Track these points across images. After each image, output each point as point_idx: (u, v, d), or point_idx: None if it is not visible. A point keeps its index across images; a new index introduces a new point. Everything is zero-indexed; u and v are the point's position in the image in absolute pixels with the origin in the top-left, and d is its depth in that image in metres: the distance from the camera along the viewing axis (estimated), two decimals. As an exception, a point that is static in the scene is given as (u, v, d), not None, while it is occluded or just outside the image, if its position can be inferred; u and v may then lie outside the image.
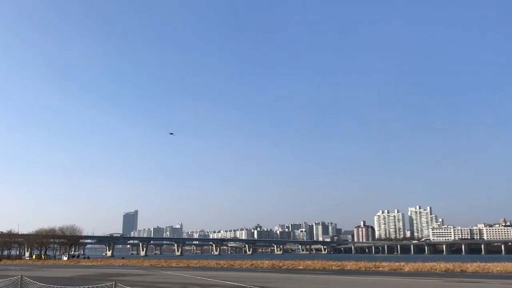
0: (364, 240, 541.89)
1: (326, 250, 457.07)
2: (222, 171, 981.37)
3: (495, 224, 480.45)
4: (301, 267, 64.57)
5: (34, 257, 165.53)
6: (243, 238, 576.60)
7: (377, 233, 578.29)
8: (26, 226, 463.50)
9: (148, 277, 47.55)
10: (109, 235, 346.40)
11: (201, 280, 42.15)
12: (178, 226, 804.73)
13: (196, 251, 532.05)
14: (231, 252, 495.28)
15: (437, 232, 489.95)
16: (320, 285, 34.50)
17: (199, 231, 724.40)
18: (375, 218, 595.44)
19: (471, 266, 53.81)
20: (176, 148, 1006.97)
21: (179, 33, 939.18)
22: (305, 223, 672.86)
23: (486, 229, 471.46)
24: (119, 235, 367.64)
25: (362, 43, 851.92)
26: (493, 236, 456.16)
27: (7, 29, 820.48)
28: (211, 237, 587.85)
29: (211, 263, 78.76)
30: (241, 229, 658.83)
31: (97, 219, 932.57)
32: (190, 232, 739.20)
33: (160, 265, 79.87)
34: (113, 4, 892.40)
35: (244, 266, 71.24)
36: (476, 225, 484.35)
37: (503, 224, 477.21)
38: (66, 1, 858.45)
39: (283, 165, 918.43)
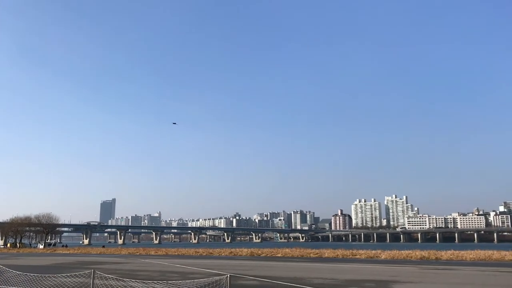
0: (341, 228, 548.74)
1: (304, 238, 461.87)
2: (201, 159, 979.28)
3: (468, 213, 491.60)
4: (279, 255, 65.03)
5: (8, 245, 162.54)
6: (222, 226, 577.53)
7: (354, 221, 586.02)
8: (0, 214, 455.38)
9: (126, 265, 47.25)
10: (86, 223, 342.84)
11: (180, 268, 42.09)
12: (156, 215, 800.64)
13: (175, 240, 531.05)
14: (209, 241, 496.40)
15: (412, 221, 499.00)
16: (299, 273, 34.83)
17: (178, 220, 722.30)
18: (352, 207, 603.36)
19: (446, 254, 54.93)
20: (155, 136, 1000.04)
21: (156, 16, 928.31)
22: (283, 211, 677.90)
23: (460, 218, 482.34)
24: (96, 223, 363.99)
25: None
26: (466, 224, 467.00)
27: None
28: (189, 226, 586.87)
29: (190, 251, 78.71)
30: (220, 218, 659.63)
31: (74, 207, 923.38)
32: (169, 220, 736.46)
33: (138, 253, 79.42)
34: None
35: (223, 254, 71.43)
36: (451, 214, 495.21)
37: (476, 213, 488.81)
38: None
39: (262, 154, 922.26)
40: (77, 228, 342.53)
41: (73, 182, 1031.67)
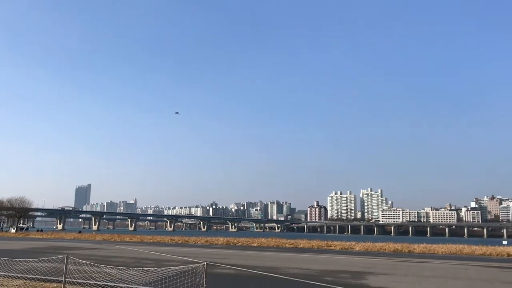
0: (317, 220, 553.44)
1: (280, 228, 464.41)
2: (179, 147, 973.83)
3: (441, 208, 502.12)
4: (255, 245, 65.21)
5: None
6: (198, 215, 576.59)
7: (329, 213, 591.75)
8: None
9: (101, 251, 46.75)
10: (60, 208, 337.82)
11: (155, 255, 41.82)
12: (132, 202, 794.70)
13: (150, 227, 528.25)
14: (185, 229, 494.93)
15: (386, 214, 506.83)
16: (275, 262, 34.97)
17: (154, 207, 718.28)
18: (328, 198, 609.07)
19: (418, 247, 56.01)
20: (132, 123, 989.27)
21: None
22: (260, 201, 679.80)
23: (433, 213, 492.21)
24: (71, 208, 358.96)
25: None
26: (438, 219, 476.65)
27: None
28: (165, 214, 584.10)
29: (165, 239, 78.38)
30: (197, 206, 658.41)
31: (48, 192, 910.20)
32: (145, 207, 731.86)
33: (113, 240, 78.71)
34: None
35: (199, 243, 71.29)
36: (424, 209, 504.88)
37: (448, 209, 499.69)
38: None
39: (240, 145, 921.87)
40: (50, 213, 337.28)
41: (47, 166, 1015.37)
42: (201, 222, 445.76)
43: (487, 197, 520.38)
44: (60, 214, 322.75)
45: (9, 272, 22.47)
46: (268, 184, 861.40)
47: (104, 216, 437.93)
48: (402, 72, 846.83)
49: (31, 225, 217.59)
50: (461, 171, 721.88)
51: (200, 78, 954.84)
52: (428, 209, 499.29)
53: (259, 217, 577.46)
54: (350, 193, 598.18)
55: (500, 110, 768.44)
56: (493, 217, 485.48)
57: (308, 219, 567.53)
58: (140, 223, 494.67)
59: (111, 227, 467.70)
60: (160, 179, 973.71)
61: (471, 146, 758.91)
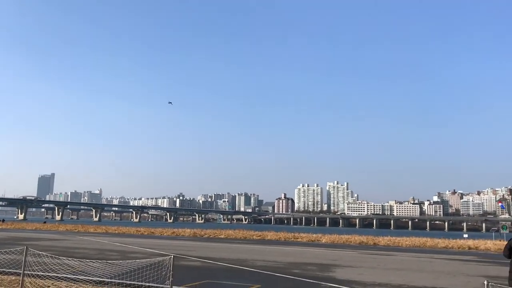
0: (284, 212, 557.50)
1: (247, 220, 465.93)
2: (146, 137, 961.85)
3: (404, 202, 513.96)
4: (222, 236, 65.06)
5: None
6: (165, 206, 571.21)
7: (296, 205, 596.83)
8: None
9: (63, 242, 45.54)
10: (22, 197, 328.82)
11: (120, 246, 41.00)
12: (97, 192, 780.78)
13: (115, 218, 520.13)
14: (151, 220, 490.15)
15: (352, 207, 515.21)
16: (242, 254, 34.79)
17: (119, 198, 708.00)
18: (296, 191, 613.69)
19: (383, 240, 57.08)
20: (97, 111, 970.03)
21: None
22: (228, 193, 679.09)
23: (396, 206, 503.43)
24: (33, 198, 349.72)
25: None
26: (402, 212, 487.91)
27: None
28: (131, 204, 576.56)
29: (130, 230, 77.18)
30: (163, 197, 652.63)
31: (9, 180, 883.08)
32: (110, 198, 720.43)
33: (76, 230, 77.09)
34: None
35: (165, 234, 70.59)
36: (388, 202, 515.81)
37: (412, 202, 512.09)
38: None
39: (208, 134, 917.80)
40: (11, 202, 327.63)
41: (8, 154, 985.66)
42: (168, 214, 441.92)
43: (449, 191, 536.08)
44: (21, 203, 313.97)
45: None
46: (236, 176, 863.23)
47: (68, 206, 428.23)
48: (376, 70, 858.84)
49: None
50: (424, 166, 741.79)
51: (173, 63, 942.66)
52: (392, 203, 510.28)
53: (227, 209, 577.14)
54: (317, 186, 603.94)
55: (462, 109, 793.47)
56: (454, 211, 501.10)
57: (276, 211, 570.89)
58: (105, 214, 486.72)
59: (75, 217, 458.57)
60: (126, 170, 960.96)
61: (435, 142, 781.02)
